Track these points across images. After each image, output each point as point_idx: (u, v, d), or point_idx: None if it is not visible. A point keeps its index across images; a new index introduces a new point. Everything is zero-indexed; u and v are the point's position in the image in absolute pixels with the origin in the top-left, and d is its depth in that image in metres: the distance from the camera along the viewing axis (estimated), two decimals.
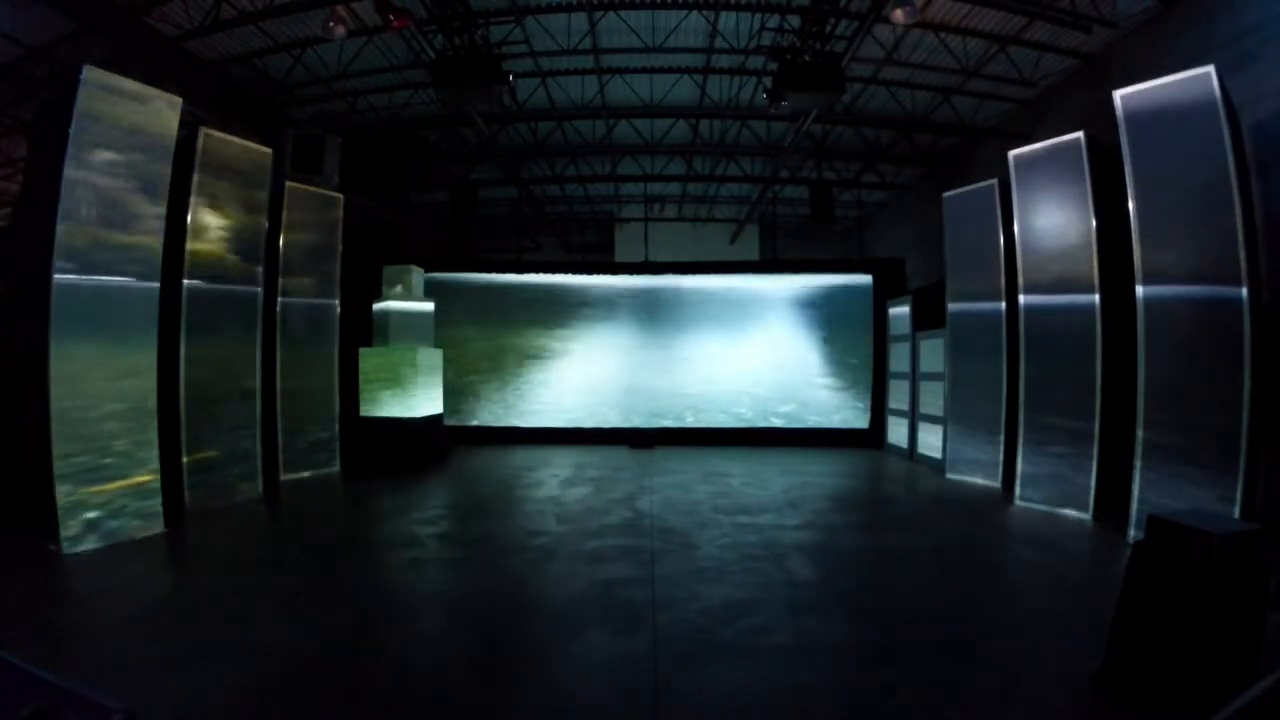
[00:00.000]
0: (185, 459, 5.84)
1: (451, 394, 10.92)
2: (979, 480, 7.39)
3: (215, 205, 6.27)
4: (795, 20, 7.93)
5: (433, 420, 9.19)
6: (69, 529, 4.60)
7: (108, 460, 4.87)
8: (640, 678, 2.88)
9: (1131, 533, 4.94)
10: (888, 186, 14.79)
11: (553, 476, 8.04)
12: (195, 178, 6.02)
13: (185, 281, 5.94)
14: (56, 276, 4.62)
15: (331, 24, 7.58)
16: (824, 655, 3.13)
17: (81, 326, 4.75)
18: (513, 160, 12.76)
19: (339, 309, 8.24)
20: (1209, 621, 2.45)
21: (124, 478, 4.97)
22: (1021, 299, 6.44)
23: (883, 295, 11.03)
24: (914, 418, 9.43)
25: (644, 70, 10.16)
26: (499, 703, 2.70)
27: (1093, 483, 5.76)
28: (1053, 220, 6.23)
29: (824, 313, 11.45)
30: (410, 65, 9.57)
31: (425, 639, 3.35)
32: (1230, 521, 2.92)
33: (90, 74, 4.87)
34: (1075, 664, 2.89)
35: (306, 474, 7.70)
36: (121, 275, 5.02)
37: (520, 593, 4.06)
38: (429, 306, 9.42)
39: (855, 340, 11.26)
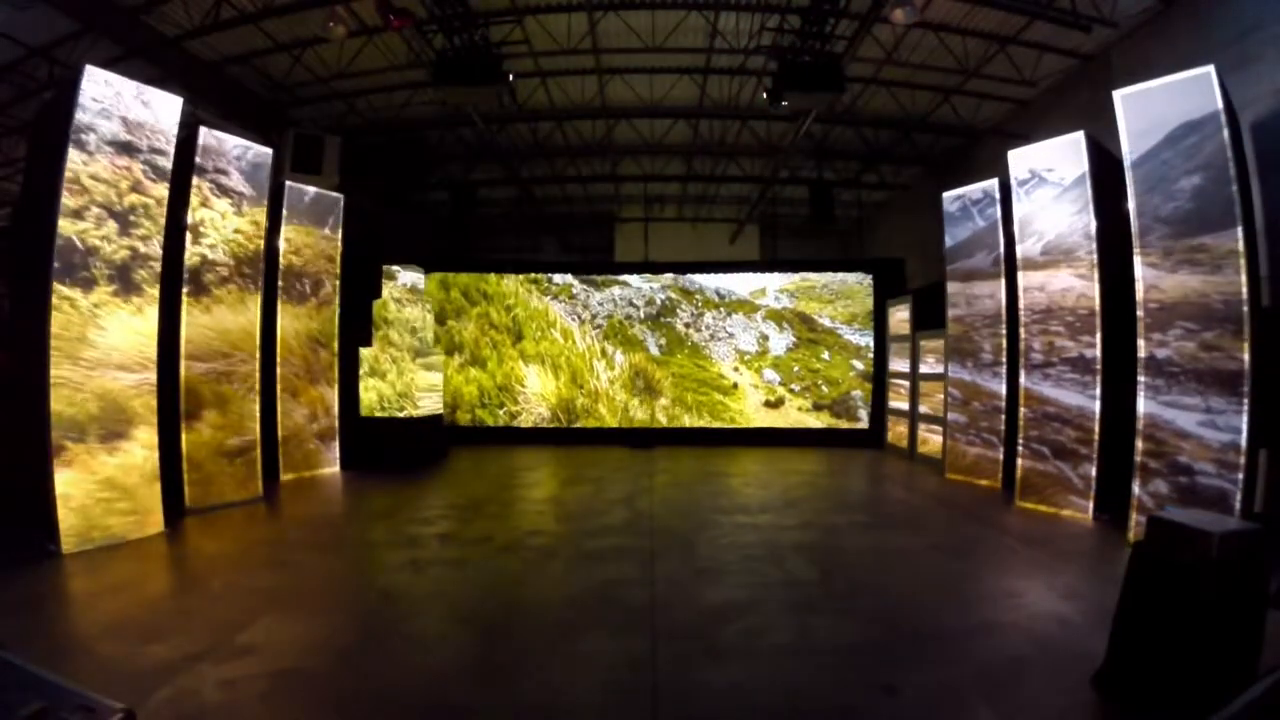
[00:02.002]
0: (185, 458, 5.85)
1: (450, 393, 10.93)
2: (979, 481, 7.40)
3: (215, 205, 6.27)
4: (795, 20, 7.92)
5: (433, 420, 9.20)
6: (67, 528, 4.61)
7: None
8: (639, 677, 2.89)
9: (1131, 533, 4.94)
10: (888, 186, 14.79)
11: (552, 476, 8.04)
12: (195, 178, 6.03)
13: (185, 276, 5.95)
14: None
15: (331, 24, 7.58)
16: (823, 655, 3.13)
17: None
18: (513, 160, 12.76)
19: (339, 309, 8.24)
20: (1209, 621, 2.45)
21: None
22: (1021, 298, 6.44)
23: (883, 295, 11.04)
24: (914, 417, 9.43)
25: (644, 70, 10.15)
26: (497, 702, 2.70)
27: (1093, 483, 5.76)
28: (1053, 220, 6.23)
29: None
30: (410, 65, 9.57)
31: (422, 639, 3.35)
32: (1230, 521, 2.92)
33: (90, 74, 4.88)
34: (1075, 664, 2.89)
35: (306, 474, 7.70)
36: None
37: (519, 593, 4.06)
38: (429, 307, 9.42)
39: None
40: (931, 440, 8.77)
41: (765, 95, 8.26)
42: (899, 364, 10.12)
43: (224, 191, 6.28)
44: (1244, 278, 4.52)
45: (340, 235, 8.27)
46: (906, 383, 9.71)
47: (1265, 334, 4.54)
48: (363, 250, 8.92)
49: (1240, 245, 4.54)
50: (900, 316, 10.12)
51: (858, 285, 11.45)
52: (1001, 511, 6.16)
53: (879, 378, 10.96)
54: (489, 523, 5.76)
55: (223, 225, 6.24)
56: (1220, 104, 4.65)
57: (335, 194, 8.38)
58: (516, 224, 17.12)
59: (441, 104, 9.79)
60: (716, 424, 11.36)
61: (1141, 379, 5.00)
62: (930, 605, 3.78)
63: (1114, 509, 5.50)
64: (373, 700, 2.70)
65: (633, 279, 11.83)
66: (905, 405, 9.74)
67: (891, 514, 6.34)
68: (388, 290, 8.85)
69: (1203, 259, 4.75)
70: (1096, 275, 5.84)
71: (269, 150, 6.78)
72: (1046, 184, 6.31)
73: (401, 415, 8.59)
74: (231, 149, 6.36)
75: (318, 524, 5.86)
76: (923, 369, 9.21)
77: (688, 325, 11.61)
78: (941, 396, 8.19)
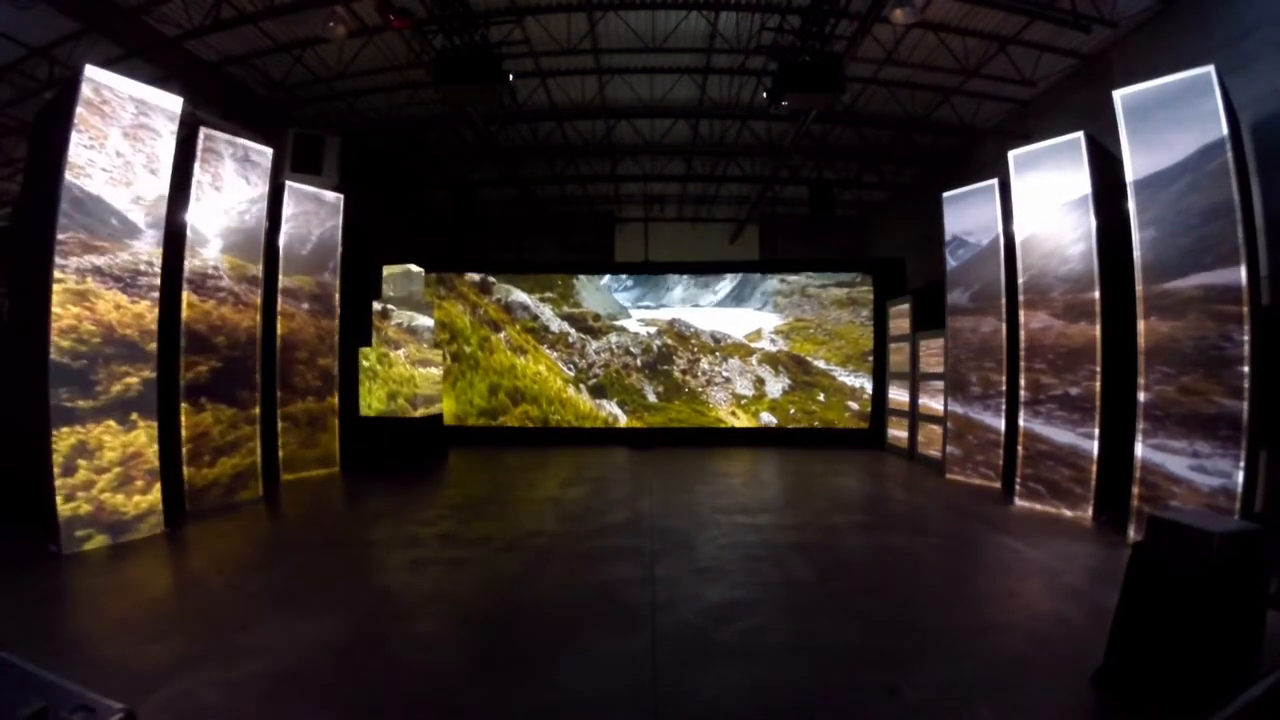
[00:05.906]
0: (185, 459, 5.85)
1: (448, 394, 10.93)
2: (978, 480, 7.40)
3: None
4: (795, 20, 7.92)
5: (432, 420, 9.19)
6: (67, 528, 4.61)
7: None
8: (640, 676, 2.89)
9: (1131, 533, 4.94)
10: (888, 186, 14.79)
11: (552, 477, 8.04)
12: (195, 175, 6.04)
13: (185, 277, 5.95)
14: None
15: (331, 24, 7.58)
16: (823, 655, 3.13)
17: None
18: (513, 160, 12.76)
19: (339, 309, 8.24)
20: (1209, 621, 2.45)
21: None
22: (1021, 298, 6.44)
23: (883, 295, 11.03)
24: (914, 418, 9.43)
25: (644, 70, 10.15)
26: (499, 702, 2.70)
27: (1093, 482, 5.76)
28: (1052, 220, 6.23)
29: None
30: (410, 65, 9.57)
31: (423, 638, 3.35)
32: (1230, 521, 2.92)
33: (90, 74, 4.88)
34: (1075, 664, 2.89)
35: (306, 474, 7.70)
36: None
37: (520, 592, 4.06)
38: (428, 307, 9.42)
39: None
40: (931, 439, 8.77)
41: (765, 95, 8.25)
42: (897, 367, 10.12)
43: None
44: (1244, 277, 4.53)
45: (340, 236, 8.29)
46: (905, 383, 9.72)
47: (1265, 333, 4.54)
48: (362, 250, 8.91)
49: (1240, 244, 4.54)
50: (900, 318, 10.12)
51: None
52: (1001, 511, 6.16)
53: (879, 378, 10.95)
54: (489, 523, 5.75)
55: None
56: (1220, 104, 4.66)
57: (335, 194, 8.38)
58: (516, 224, 17.11)
59: (441, 104, 9.78)
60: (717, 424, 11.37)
61: (1142, 369, 5.02)
62: (930, 605, 3.78)
63: (1114, 508, 5.50)
64: (374, 700, 2.70)
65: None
66: (905, 405, 9.74)
67: (891, 514, 6.33)
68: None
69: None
70: (1096, 274, 5.84)
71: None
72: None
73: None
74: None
75: (318, 524, 5.86)
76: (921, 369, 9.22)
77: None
78: (940, 392, 8.19)
